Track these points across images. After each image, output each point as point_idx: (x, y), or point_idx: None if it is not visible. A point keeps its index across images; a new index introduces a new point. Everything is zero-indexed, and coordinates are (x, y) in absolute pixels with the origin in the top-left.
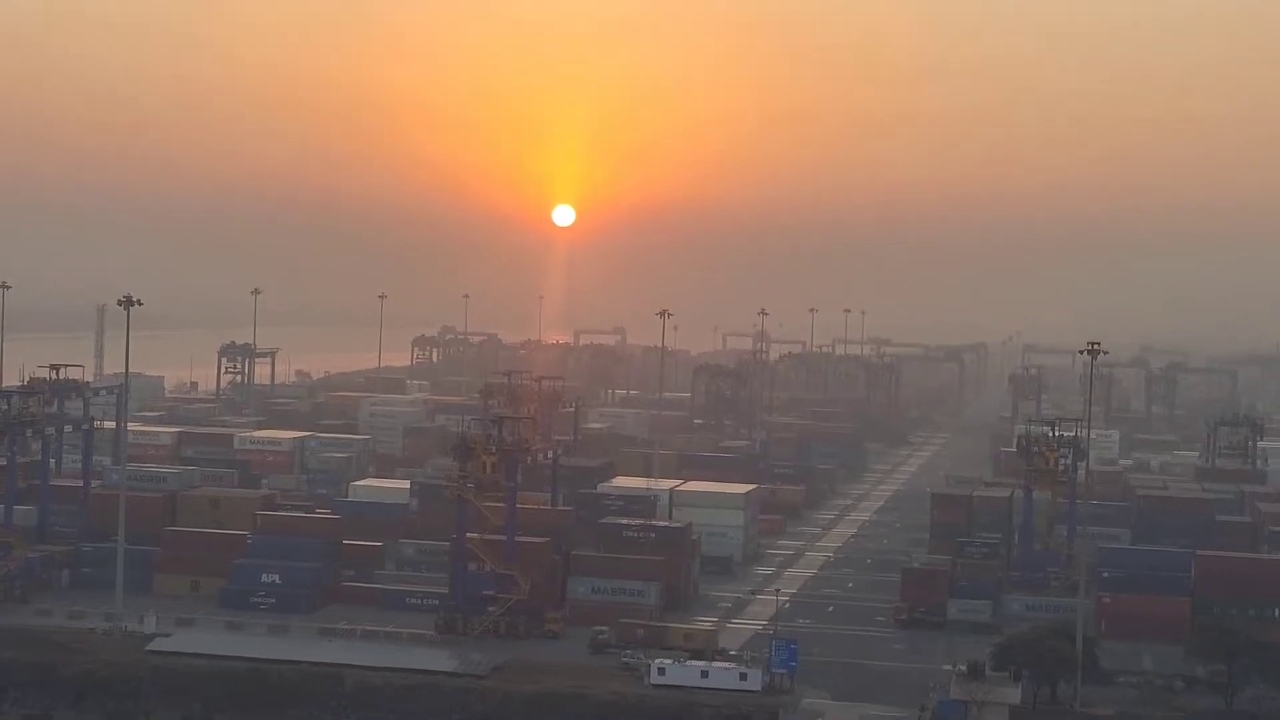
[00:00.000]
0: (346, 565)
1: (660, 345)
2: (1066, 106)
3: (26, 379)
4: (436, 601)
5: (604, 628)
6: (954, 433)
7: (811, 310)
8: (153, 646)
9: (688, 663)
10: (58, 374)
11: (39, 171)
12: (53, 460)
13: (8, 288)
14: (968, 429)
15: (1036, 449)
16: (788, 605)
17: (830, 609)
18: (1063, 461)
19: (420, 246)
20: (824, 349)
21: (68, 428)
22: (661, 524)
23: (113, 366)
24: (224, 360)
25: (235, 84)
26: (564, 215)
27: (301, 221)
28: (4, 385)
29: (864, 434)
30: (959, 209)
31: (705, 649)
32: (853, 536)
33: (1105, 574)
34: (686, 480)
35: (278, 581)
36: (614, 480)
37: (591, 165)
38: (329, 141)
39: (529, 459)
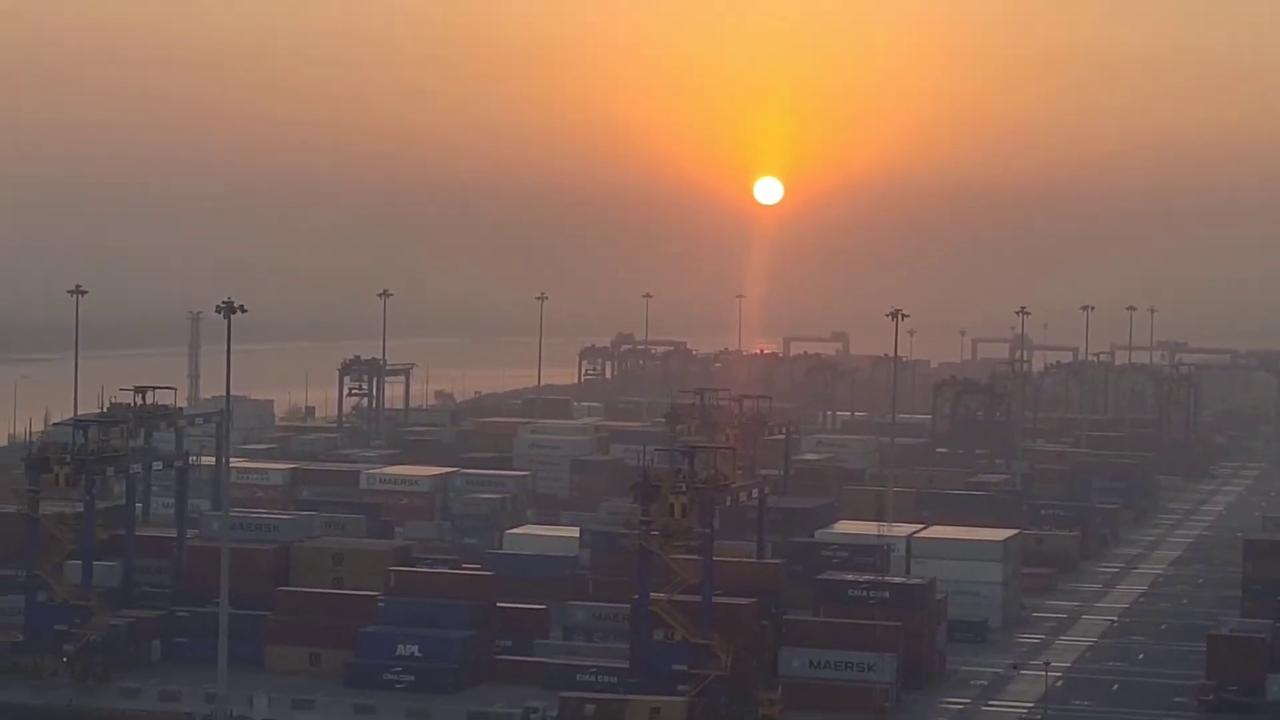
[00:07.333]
0: (501, 634)
1: (892, 354)
2: None
3: (107, 405)
4: (614, 679)
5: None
6: (1272, 462)
7: (1085, 308)
8: None
9: None
10: (145, 398)
11: (110, 155)
12: (140, 505)
13: (84, 293)
14: None
15: None
16: (1060, 683)
17: (1115, 687)
18: None
19: (589, 234)
20: (1101, 357)
21: (157, 465)
22: (897, 580)
23: (211, 389)
24: (346, 380)
25: (348, 28)
26: (769, 190)
27: (440, 204)
28: (80, 413)
29: (1155, 465)
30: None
31: None
32: (1143, 595)
33: None
34: (928, 525)
35: (417, 654)
36: (836, 525)
37: (803, 126)
38: (474, 100)
39: (728, 499)
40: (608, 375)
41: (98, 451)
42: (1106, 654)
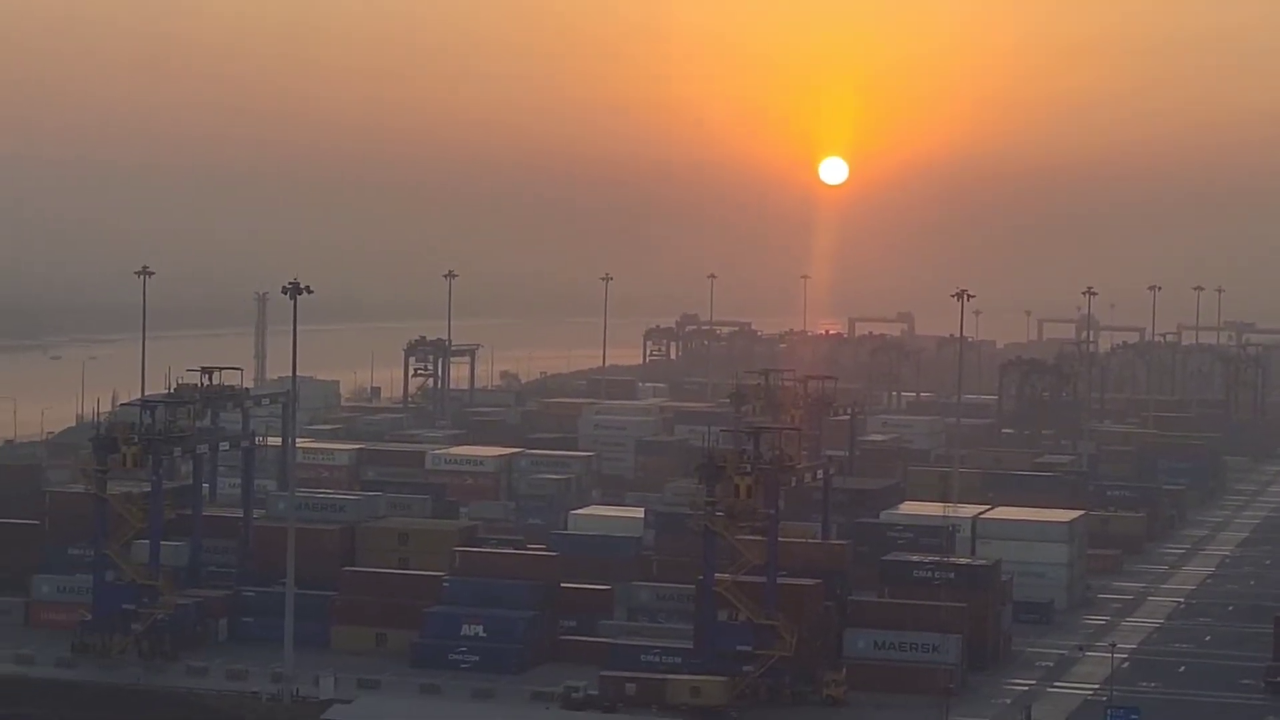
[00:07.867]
0: (565, 614)
1: (958, 335)
2: None
3: (174, 385)
4: (678, 659)
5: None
6: None
7: (1151, 288)
8: (330, 715)
9: None
10: (211, 379)
11: (180, 133)
12: (206, 485)
13: (150, 275)
14: None
15: None
16: (1126, 664)
17: (1182, 669)
18: None
19: (654, 213)
20: (1168, 337)
21: (224, 445)
22: (963, 561)
23: (277, 369)
24: (411, 360)
25: (409, 7)
26: (834, 170)
27: (503, 184)
28: (147, 394)
29: (1223, 445)
30: None
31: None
32: (1209, 577)
33: None
34: (994, 506)
35: (481, 634)
36: (901, 506)
37: (868, 107)
38: (538, 79)
39: (793, 480)
40: (673, 356)
41: (165, 432)
42: (1173, 636)
